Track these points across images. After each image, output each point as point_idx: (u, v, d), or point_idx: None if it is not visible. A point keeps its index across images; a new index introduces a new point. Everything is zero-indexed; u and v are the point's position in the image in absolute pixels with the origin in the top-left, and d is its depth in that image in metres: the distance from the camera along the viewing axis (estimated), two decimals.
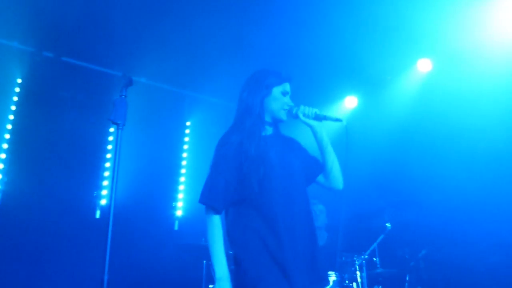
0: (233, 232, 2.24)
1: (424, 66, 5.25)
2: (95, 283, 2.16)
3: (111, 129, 5.47)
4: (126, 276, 4.26)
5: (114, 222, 2.10)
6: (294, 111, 2.42)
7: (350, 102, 6.06)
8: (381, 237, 4.60)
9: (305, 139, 2.59)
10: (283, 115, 2.43)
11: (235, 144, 2.29)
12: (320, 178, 2.50)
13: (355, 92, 6.00)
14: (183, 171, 5.89)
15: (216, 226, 2.22)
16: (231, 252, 2.22)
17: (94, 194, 5.16)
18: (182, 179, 5.84)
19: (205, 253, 4.40)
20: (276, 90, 2.44)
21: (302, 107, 2.42)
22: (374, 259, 4.59)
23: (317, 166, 2.49)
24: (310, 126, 2.44)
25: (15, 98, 5.07)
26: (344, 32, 4.76)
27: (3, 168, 4.79)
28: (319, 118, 2.42)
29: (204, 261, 4.43)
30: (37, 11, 4.51)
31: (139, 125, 5.11)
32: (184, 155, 5.98)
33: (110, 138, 5.47)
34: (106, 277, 1.96)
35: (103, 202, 5.16)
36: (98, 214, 5.12)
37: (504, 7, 4.33)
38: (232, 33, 4.88)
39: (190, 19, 4.68)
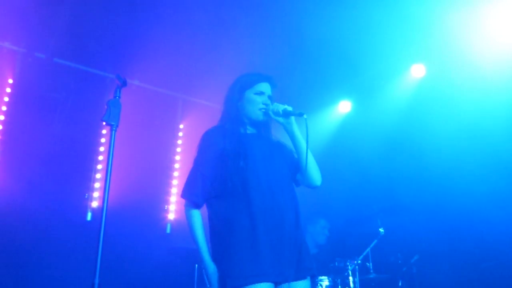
0: (216, 224, 2.30)
1: (418, 71, 5.27)
2: (85, 286, 2.13)
3: (103, 131, 5.42)
4: (117, 279, 4.21)
5: (106, 224, 2.08)
6: (266, 110, 2.46)
7: (344, 107, 6.07)
8: (374, 242, 4.60)
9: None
10: (259, 116, 2.48)
11: (215, 143, 2.39)
12: (299, 176, 2.51)
13: (349, 97, 6.01)
14: (175, 174, 5.85)
15: (197, 219, 2.33)
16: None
17: (86, 196, 5.10)
18: (174, 182, 5.80)
19: (197, 256, 4.37)
20: (249, 93, 2.50)
21: (273, 105, 2.45)
22: (367, 264, 4.59)
23: (296, 165, 2.52)
24: (281, 124, 2.46)
25: (6, 99, 5.01)
26: (338, 37, 4.77)
27: None
28: (286, 115, 2.42)
29: (196, 265, 4.40)
30: (30, 11, 4.47)
31: (132, 127, 5.07)
32: (177, 158, 5.95)
33: (102, 140, 5.43)
34: (97, 281, 1.93)
35: (95, 204, 5.10)
36: (89, 217, 5.06)
37: (498, 13, 4.36)
38: (225, 36, 4.87)
39: (183, 22, 4.67)
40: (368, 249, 4.57)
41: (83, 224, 4.96)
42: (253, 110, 2.47)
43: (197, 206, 2.35)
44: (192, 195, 2.34)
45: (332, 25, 4.63)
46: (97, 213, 5.04)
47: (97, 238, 2.05)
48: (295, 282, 2.18)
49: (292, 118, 2.43)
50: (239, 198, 2.26)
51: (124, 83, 2.17)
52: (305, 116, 2.33)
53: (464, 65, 4.77)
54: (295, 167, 2.51)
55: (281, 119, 2.43)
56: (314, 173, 2.46)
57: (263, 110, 2.46)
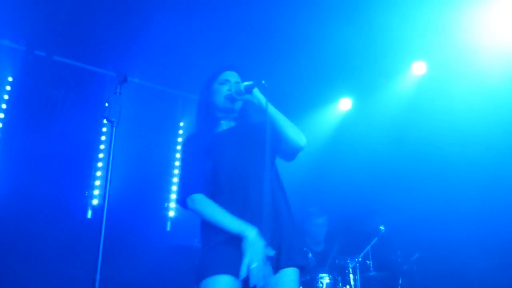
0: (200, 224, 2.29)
1: (418, 68, 5.26)
2: (86, 283, 2.12)
3: (104, 129, 5.43)
4: (117, 276, 4.21)
5: (106, 222, 2.07)
6: (230, 94, 2.40)
7: (344, 104, 6.06)
8: (375, 239, 4.59)
9: None
10: (225, 104, 2.43)
11: (191, 149, 2.40)
12: (283, 144, 2.39)
13: (350, 94, 6.00)
14: (176, 171, 5.85)
15: (204, 200, 2.22)
16: None
17: (86, 194, 5.10)
18: (175, 179, 5.80)
19: (197, 254, 4.37)
20: (214, 85, 2.49)
21: (234, 87, 2.40)
22: (368, 262, 4.59)
23: (276, 137, 2.40)
24: (249, 101, 2.37)
25: (6, 97, 5.01)
26: (338, 34, 4.75)
27: None
28: (248, 90, 2.34)
29: (196, 262, 4.40)
30: (29, 9, 4.46)
31: (132, 125, 5.07)
32: (177, 155, 5.94)
33: (103, 137, 5.43)
34: (98, 277, 1.93)
35: (95, 202, 5.11)
36: (89, 214, 5.07)
37: (500, 10, 4.35)
38: (225, 34, 4.86)
39: (184, 20, 4.66)
40: (369, 247, 4.57)
41: (84, 222, 4.97)
42: (219, 99, 2.44)
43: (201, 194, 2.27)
44: (193, 190, 2.26)
45: (332, 22, 4.62)
46: (97, 210, 5.05)
47: (98, 235, 2.04)
48: (277, 274, 2.14)
49: (256, 91, 2.34)
50: (215, 197, 2.25)
51: (125, 79, 2.17)
52: (263, 82, 2.27)
53: (465, 62, 4.76)
54: (277, 138, 2.39)
55: (246, 97, 2.35)
56: (293, 133, 2.34)
57: (228, 96, 2.41)
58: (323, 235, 4.92)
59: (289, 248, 2.20)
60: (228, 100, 2.42)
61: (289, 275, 2.17)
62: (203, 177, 2.28)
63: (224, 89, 2.44)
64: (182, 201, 2.29)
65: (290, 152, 2.44)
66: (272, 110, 2.32)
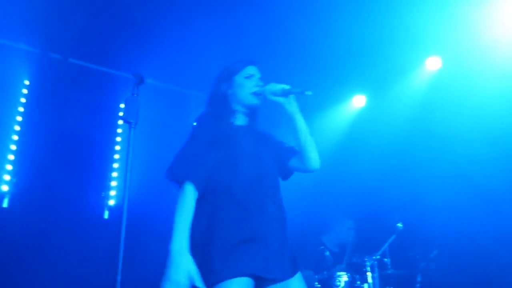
0: (197, 224, 2.15)
1: (433, 64, 5.20)
2: (103, 283, 2.13)
3: (119, 130, 5.47)
4: (134, 276, 4.23)
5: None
6: (262, 91, 2.35)
7: (358, 101, 6.02)
8: (393, 237, 4.55)
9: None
10: (252, 99, 2.38)
11: (206, 129, 2.30)
12: (295, 161, 2.38)
13: (363, 91, 5.95)
14: None
15: (188, 196, 2.14)
16: None
17: (102, 195, 5.15)
18: None
19: None
20: (238, 78, 2.42)
21: (269, 85, 2.34)
22: (385, 259, 4.55)
23: (289, 150, 2.40)
24: (280, 104, 2.31)
25: (23, 100, 5.07)
26: (352, 30, 4.72)
27: (12, 169, 4.78)
28: (285, 94, 2.28)
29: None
30: (44, 12, 4.51)
31: (146, 126, 5.09)
32: None
33: (118, 138, 5.47)
34: (119, 277, 1.94)
35: (112, 202, 5.16)
36: (106, 215, 5.11)
37: None
38: (239, 33, 4.85)
39: (197, 20, 4.67)
40: (386, 245, 4.52)
41: (101, 222, 5.02)
42: (245, 94, 2.38)
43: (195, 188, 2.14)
44: (190, 176, 2.15)
45: (345, 18, 4.59)
46: (114, 211, 5.10)
47: (115, 236, 2.06)
48: (289, 280, 2.12)
49: (292, 97, 2.30)
50: (222, 193, 2.16)
51: (141, 81, 2.18)
52: (309, 93, 2.21)
53: (482, 57, 4.68)
54: (287, 155, 2.39)
55: (280, 99, 2.29)
56: (314, 155, 2.33)
57: (257, 93, 2.36)
58: (350, 238, 4.85)
59: (295, 255, 2.22)
60: (255, 96, 2.37)
61: (299, 280, 2.17)
62: (203, 165, 2.18)
63: (251, 85, 2.38)
64: (171, 176, 2.24)
65: (296, 170, 2.43)
66: (303, 124, 2.30)
